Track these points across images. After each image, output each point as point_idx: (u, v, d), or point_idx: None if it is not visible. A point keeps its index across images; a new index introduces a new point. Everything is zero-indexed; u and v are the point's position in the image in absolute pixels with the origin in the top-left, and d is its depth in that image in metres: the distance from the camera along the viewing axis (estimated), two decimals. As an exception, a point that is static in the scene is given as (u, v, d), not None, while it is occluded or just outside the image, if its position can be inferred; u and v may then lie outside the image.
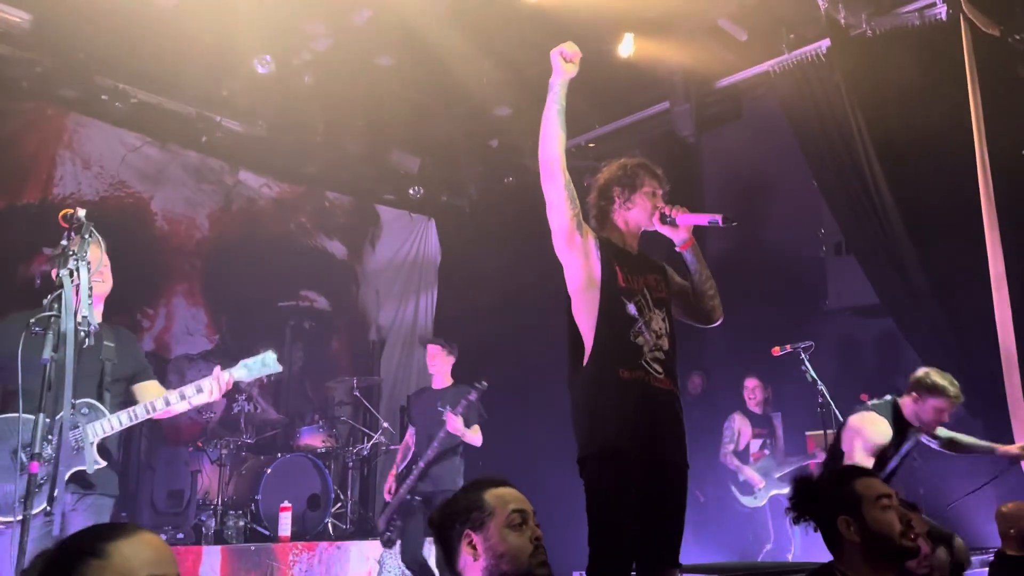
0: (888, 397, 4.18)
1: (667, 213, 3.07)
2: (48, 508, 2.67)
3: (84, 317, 2.20)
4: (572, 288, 2.98)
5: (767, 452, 6.55)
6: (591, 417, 2.84)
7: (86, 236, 2.29)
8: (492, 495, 2.08)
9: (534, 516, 2.10)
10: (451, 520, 2.06)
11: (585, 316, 2.92)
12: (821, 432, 5.40)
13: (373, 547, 6.36)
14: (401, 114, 7.21)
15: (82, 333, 2.24)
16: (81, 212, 2.32)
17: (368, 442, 7.25)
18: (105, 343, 3.28)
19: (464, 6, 5.86)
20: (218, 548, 5.57)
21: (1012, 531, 4.05)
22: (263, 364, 3.48)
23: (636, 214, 3.08)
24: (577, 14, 5.83)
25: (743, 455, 6.52)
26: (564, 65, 3.11)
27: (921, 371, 4.12)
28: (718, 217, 2.98)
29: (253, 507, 6.26)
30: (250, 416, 6.68)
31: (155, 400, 3.26)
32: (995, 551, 4.24)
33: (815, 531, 2.38)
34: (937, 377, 4.04)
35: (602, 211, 3.16)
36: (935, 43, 5.80)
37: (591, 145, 7.87)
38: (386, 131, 7.63)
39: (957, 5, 5.52)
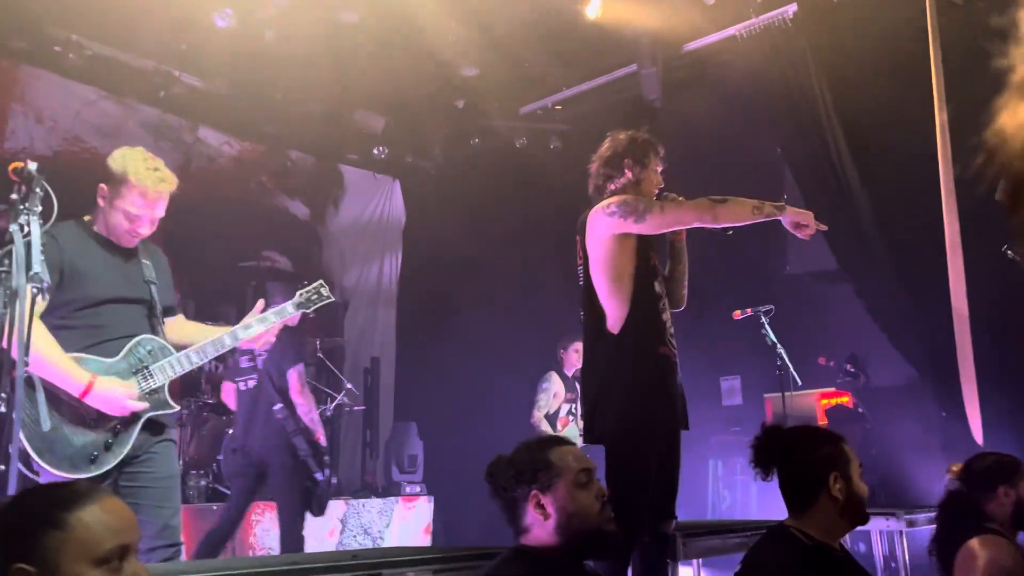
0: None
1: (674, 197, 3.13)
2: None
3: (36, 273, 2.14)
4: (608, 261, 3.02)
5: (571, 420, 6.36)
6: (629, 391, 2.92)
7: (36, 189, 2.22)
8: (557, 454, 2.10)
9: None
10: (516, 480, 2.08)
11: (615, 287, 2.98)
12: (779, 395, 5.51)
13: (336, 506, 6.39)
14: (366, 73, 7.07)
15: (34, 290, 2.18)
16: (32, 165, 2.25)
17: (331, 403, 7.24)
18: (143, 261, 3.11)
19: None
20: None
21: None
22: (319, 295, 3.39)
23: (646, 190, 3.14)
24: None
25: (552, 419, 6.34)
26: (794, 227, 3.08)
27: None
28: None
29: (215, 467, 6.23)
30: (211, 375, 6.62)
31: (223, 335, 3.11)
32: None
33: (769, 481, 2.38)
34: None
35: (608, 181, 3.18)
36: (900, 11, 5.83)
37: (557, 107, 7.83)
38: (350, 90, 7.50)
39: (923, -29, 5.54)
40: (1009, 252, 5.43)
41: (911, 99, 5.57)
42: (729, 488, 6.77)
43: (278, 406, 4.90)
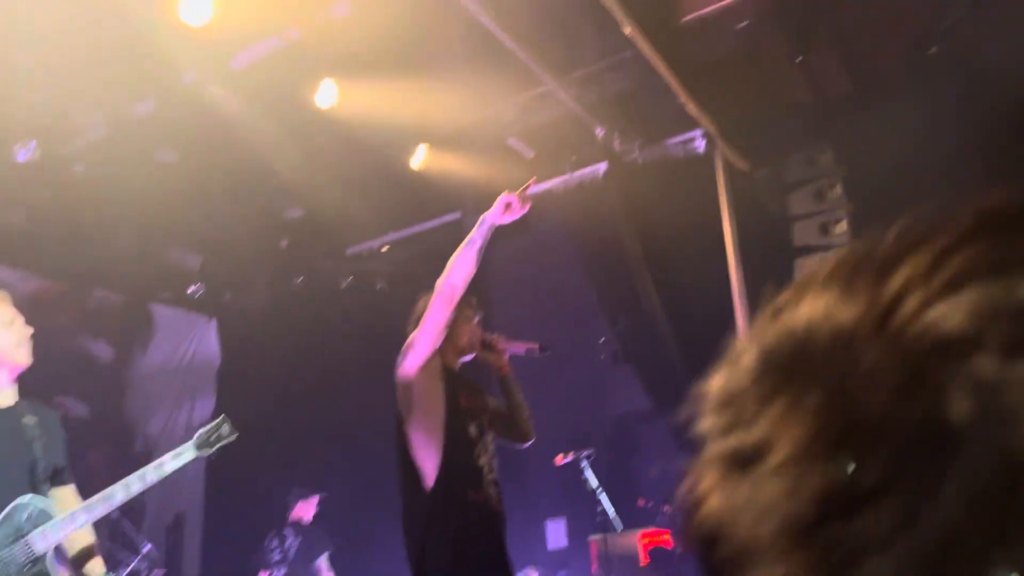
0: None
1: (490, 340, 3.22)
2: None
3: None
4: (416, 410, 3.01)
5: None
6: (438, 541, 2.82)
7: None
8: None
9: None
10: None
11: (426, 438, 2.95)
12: (604, 536, 5.54)
13: None
14: (183, 211, 6.85)
15: None
16: None
17: (124, 570, 6.49)
18: (25, 420, 2.70)
19: (255, 106, 5.76)
20: None
21: None
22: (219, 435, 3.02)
23: (460, 339, 3.19)
24: (371, 122, 5.93)
25: None
26: (505, 212, 3.21)
27: None
28: (535, 346, 3.19)
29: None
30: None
31: (112, 489, 2.70)
32: None
33: None
34: None
35: None
36: (696, 173, 6.46)
37: (384, 249, 7.90)
38: (165, 227, 7.21)
39: (713, 141, 6.21)
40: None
41: (711, 252, 6.11)
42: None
43: None
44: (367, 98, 5.75)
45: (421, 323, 3.04)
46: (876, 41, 6.11)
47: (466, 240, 3.13)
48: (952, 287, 0.30)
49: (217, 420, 3.16)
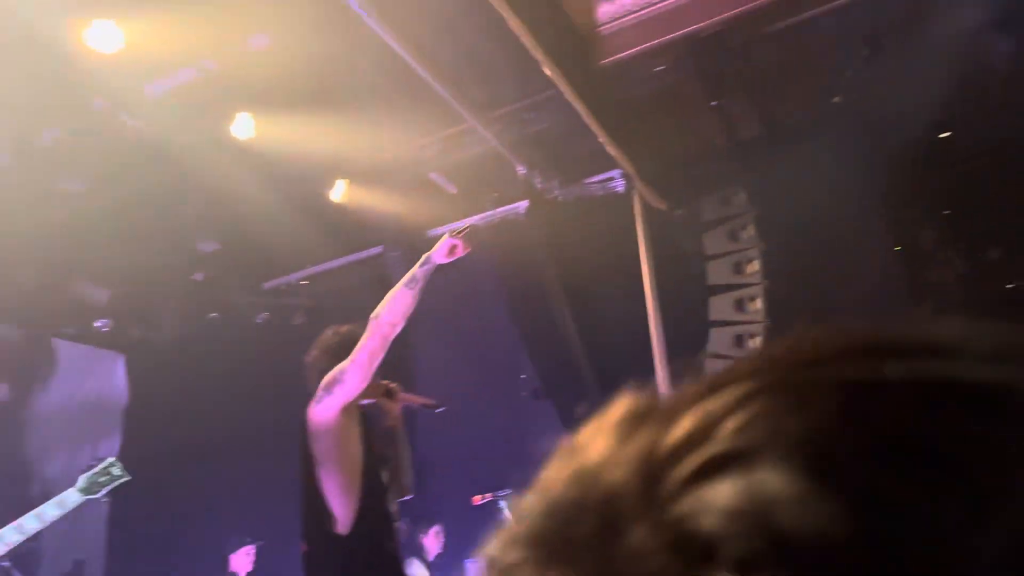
0: None
1: (392, 388, 3.16)
2: None
3: None
4: (334, 452, 2.91)
5: None
6: None
7: None
8: None
9: None
10: None
11: (344, 483, 2.87)
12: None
13: None
14: (91, 242, 6.59)
15: None
16: None
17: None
18: None
19: (169, 136, 5.62)
20: None
21: None
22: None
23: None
24: (290, 155, 5.85)
25: None
26: (450, 254, 3.16)
27: None
28: (431, 402, 3.17)
29: None
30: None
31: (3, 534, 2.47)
32: None
33: None
34: None
35: (322, 376, 3.12)
36: (618, 210, 6.58)
37: (304, 283, 7.76)
38: (71, 258, 6.92)
39: (631, 181, 6.34)
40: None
41: (631, 289, 6.20)
42: None
43: None
44: (286, 131, 5.67)
45: (353, 359, 2.93)
46: (785, 89, 6.38)
47: (407, 277, 3.10)
48: (718, 465, 0.29)
49: (105, 462, 2.99)
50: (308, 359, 3.16)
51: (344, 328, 3.23)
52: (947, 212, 8.32)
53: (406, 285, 3.06)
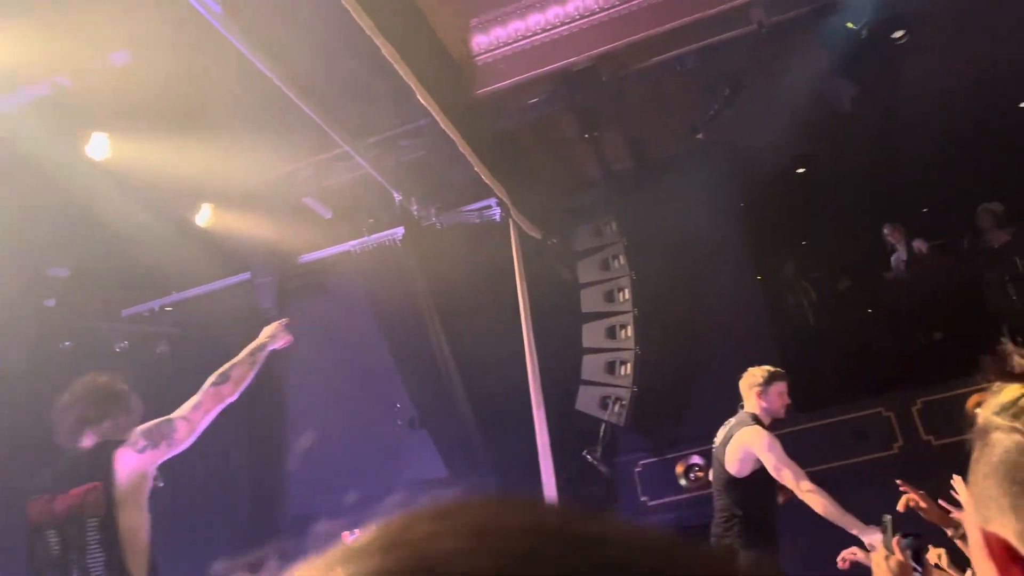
0: (742, 416, 4.22)
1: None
2: None
3: None
4: (137, 504, 2.81)
5: None
6: None
7: None
8: None
9: None
10: None
11: (140, 536, 2.77)
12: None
13: None
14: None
15: None
16: None
17: None
18: None
19: (17, 154, 5.26)
20: None
21: None
22: None
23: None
24: (154, 178, 5.58)
25: None
26: (283, 340, 3.18)
27: (748, 377, 4.27)
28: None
29: None
30: None
31: None
32: None
33: None
34: (762, 370, 4.24)
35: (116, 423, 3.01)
36: (494, 238, 6.63)
37: (168, 309, 7.41)
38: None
39: (507, 210, 6.41)
40: (588, 456, 6.12)
41: (507, 316, 6.24)
42: None
43: None
44: (148, 152, 5.42)
45: (188, 418, 2.92)
46: (655, 123, 6.64)
47: (249, 353, 3.11)
48: None
49: None
50: (63, 403, 3.01)
51: (103, 379, 3.13)
52: (804, 243, 8.86)
53: (250, 355, 3.12)
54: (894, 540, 2.11)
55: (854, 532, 3.59)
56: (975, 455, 0.80)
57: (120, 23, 4.85)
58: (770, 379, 4.23)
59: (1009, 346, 0.80)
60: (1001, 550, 0.75)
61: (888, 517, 2.30)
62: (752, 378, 4.26)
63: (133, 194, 5.78)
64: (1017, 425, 0.75)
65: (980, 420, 0.80)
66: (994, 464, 0.76)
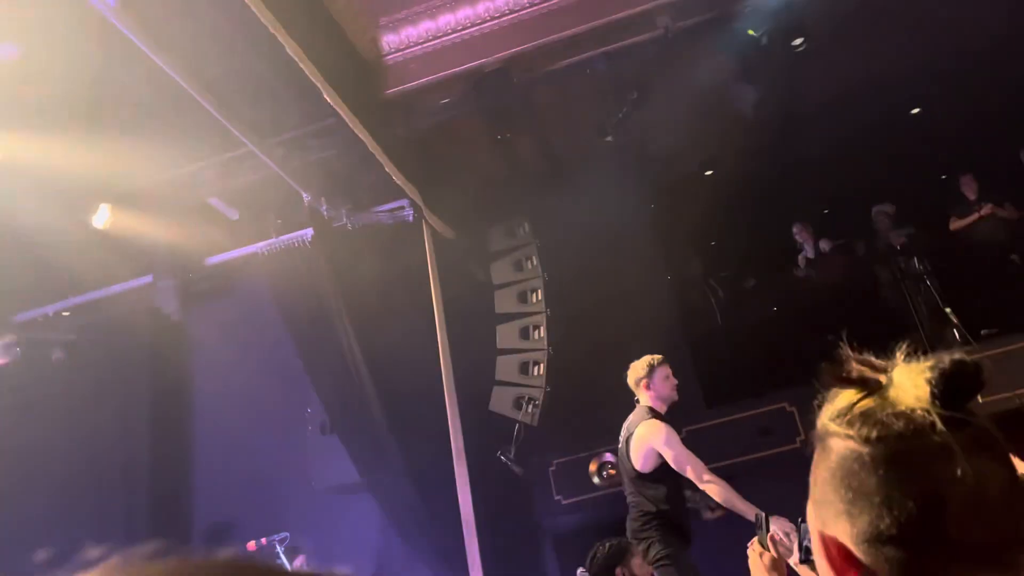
0: (639, 411, 4.29)
1: None
2: None
3: None
4: None
5: None
6: None
7: None
8: None
9: None
10: None
11: None
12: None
13: None
14: None
15: None
16: None
17: None
18: None
19: None
20: None
21: None
22: None
23: None
24: (46, 177, 5.32)
25: None
26: None
27: (632, 372, 4.34)
28: None
29: None
30: None
31: None
32: None
33: None
34: (643, 361, 4.32)
35: None
36: (407, 239, 6.56)
37: (65, 314, 7.07)
38: None
39: (420, 211, 6.36)
40: (502, 456, 6.13)
41: (419, 317, 6.19)
42: None
43: None
44: (39, 150, 5.16)
45: None
46: (565, 125, 6.69)
47: None
48: None
49: None
50: None
51: None
52: (712, 243, 9.09)
53: None
54: (768, 536, 2.17)
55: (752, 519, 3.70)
56: (815, 460, 0.81)
57: (5, 15, 4.60)
58: (651, 367, 4.32)
59: (846, 351, 0.82)
60: (838, 553, 0.77)
61: (762, 514, 2.37)
62: (636, 372, 4.35)
63: (24, 194, 5.49)
64: (851, 432, 0.77)
65: (818, 425, 0.82)
66: (832, 470, 0.78)
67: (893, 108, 7.74)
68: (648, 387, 4.30)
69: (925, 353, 0.79)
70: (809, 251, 8.26)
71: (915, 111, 8.35)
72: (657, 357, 4.37)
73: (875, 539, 0.74)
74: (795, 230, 8.38)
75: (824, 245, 8.32)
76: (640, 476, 4.23)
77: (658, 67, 5.64)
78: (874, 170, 8.08)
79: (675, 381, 4.37)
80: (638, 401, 4.36)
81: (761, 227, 8.56)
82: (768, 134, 7.14)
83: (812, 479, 0.82)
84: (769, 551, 2.14)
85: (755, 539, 2.26)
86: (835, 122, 7.01)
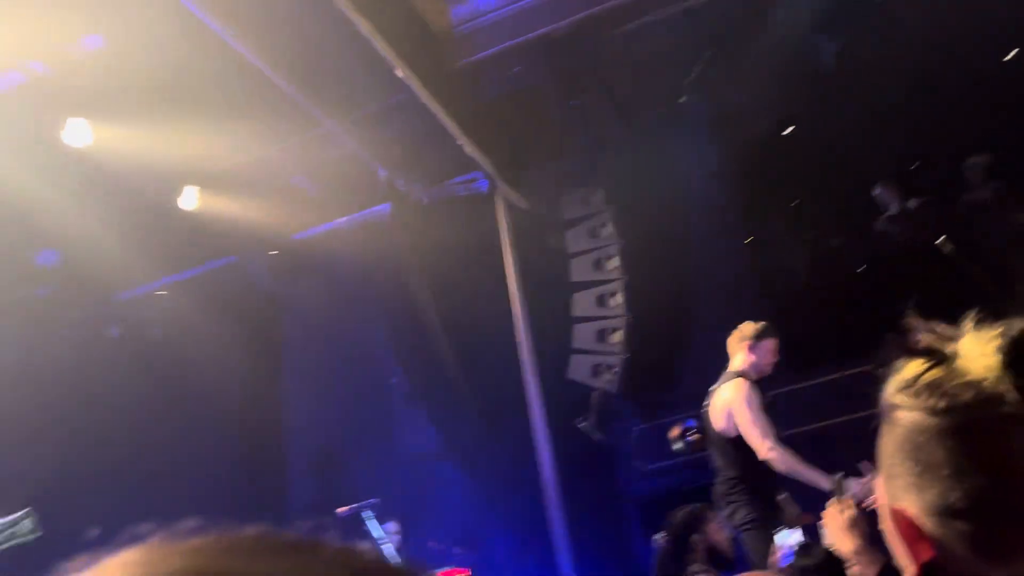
0: (727, 375, 4.20)
1: None
2: None
3: None
4: None
5: None
6: None
7: None
8: None
9: None
10: None
11: None
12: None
13: None
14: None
15: None
16: None
17: None
18: None
19: (13, 145, 5.22)
20: None
21: None
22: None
23: None
24: (135, 163, 5.56)
25: None
26: None
27: (739, 331, 4.25)
28: None
29: None
30: None
31: None
32: None
33: None
34: (756, 325, 4.22)
35: None
36: (481, 210, 6.61)
37: (161, 293, 7.41)
38: None
39: (493, 182, 6.39)
40: (581, 424, 6.17)
41: (496, 285, 6.25)
42: None
43: None
44: (127, 137, 5.39)
45: None
46: (638, 88, 6.58)
47: None
48: None
49: (17, 514, 2.49)
50: None
51: None
52: (794, 203, 8.82)
53: None
54: (847, 496, 2.15)
55: (823, 486, 3.61)
56: (882, 433, 0.80)
57: (90, 7, 4.79)
58: (762, 333, 4.23)
59: (913, 321, 0.80)
60: (907, 527, 0.76)
61: (840, 474, 2.33)
62: (743, 332, 4.24)
63: (116, 179, 5.76)
64: (918, 403, 0.75)
65: (884, 398, 0.80)
66: (898, 442, 0.76)
67: (985, 54, 7.31)
68: (751, 349, 4.20)
69: (997, 320, 0.76)
70: (895, 210, 7.94)
71: (1010, 56, 7.88)
72: (771, 326, 4.30)
73: (944, 512, 0.73)
74: (879, 191, 8.06)
75: (912, 203, 7.97)
76: (724, 439, 4.17)
77: (736, 23, 5.48)
78: (966, 121, 7.68)
79: (777, 358, 4.28)
80: (725, 370, 4.29)
81: (845, 184, 8.26)
82: (850, 87, 6.86)
83: (879, 453, 0.81)
84: (848, 510, 2.11)
85: (834, 499, 2.24)
86: (921, 72, 6.68)
